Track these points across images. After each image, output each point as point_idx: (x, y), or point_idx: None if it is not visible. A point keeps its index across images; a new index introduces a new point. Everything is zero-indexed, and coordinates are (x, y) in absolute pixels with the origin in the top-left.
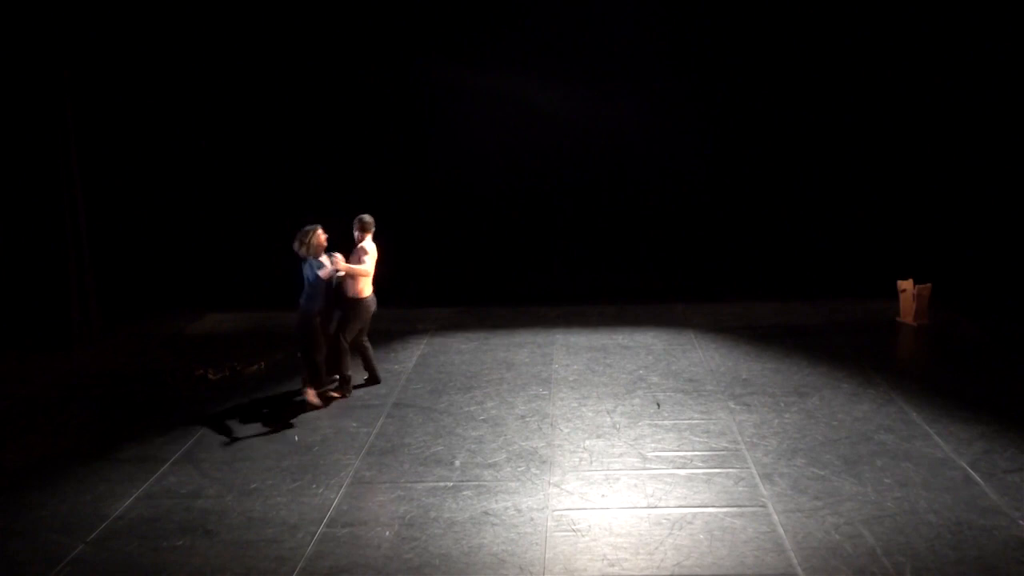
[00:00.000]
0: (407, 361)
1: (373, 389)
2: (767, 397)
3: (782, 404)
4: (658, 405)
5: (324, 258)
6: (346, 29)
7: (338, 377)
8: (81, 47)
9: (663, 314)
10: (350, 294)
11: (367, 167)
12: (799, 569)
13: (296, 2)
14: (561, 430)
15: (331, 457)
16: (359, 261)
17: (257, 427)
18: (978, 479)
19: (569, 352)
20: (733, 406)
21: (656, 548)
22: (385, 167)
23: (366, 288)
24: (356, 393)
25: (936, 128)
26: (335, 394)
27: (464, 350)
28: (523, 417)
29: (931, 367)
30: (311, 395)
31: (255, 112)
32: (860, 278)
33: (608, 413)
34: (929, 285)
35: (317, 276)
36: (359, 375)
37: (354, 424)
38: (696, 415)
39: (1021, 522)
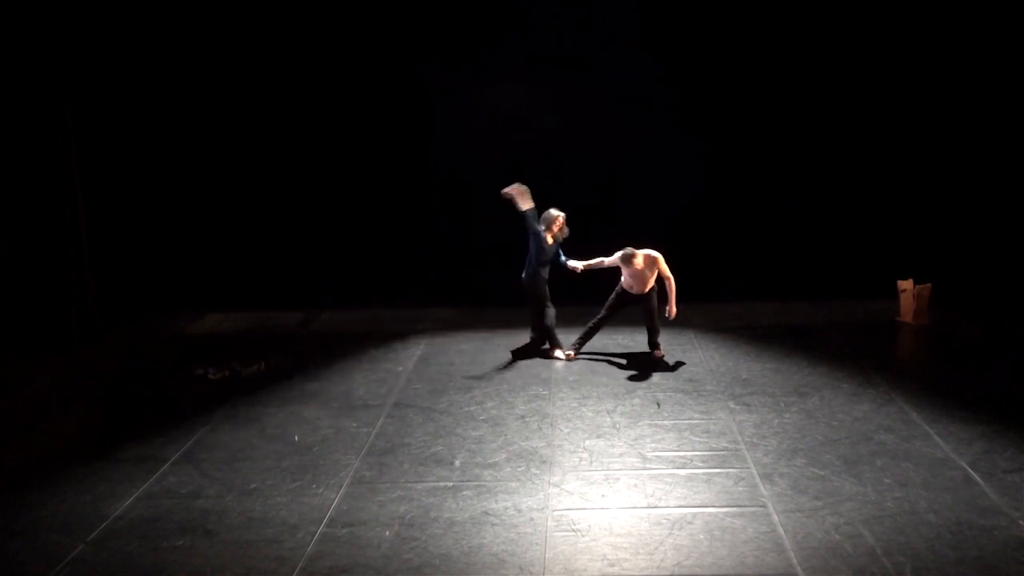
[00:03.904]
0: (407, 361)
1: (373, 388)
2: (767, 397)
3: (782, 404)
4: (658, 405)
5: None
6: (347, 30)
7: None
8: (81, 47)
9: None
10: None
11: (367, 167)
12: (799, 569)
13: (297, 3)
14: (561, 430)
15: (331, 457)
16: None
17: (257, 427)
18: (978, 479)
19: None
20: (733, 406)
21: (656, 548)
22: (385, 167)
23: None
24: (357, 393)
25: (935, 129)
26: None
27: (464, 350)
28: (523, 417)
29: (931, 367)
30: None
31: (255, 112)
32: (860, 278)
33: (608, 413)
34: (929, 285)
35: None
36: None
37: (354, 424)
38: (696, 415)
39: (1021, 522)
